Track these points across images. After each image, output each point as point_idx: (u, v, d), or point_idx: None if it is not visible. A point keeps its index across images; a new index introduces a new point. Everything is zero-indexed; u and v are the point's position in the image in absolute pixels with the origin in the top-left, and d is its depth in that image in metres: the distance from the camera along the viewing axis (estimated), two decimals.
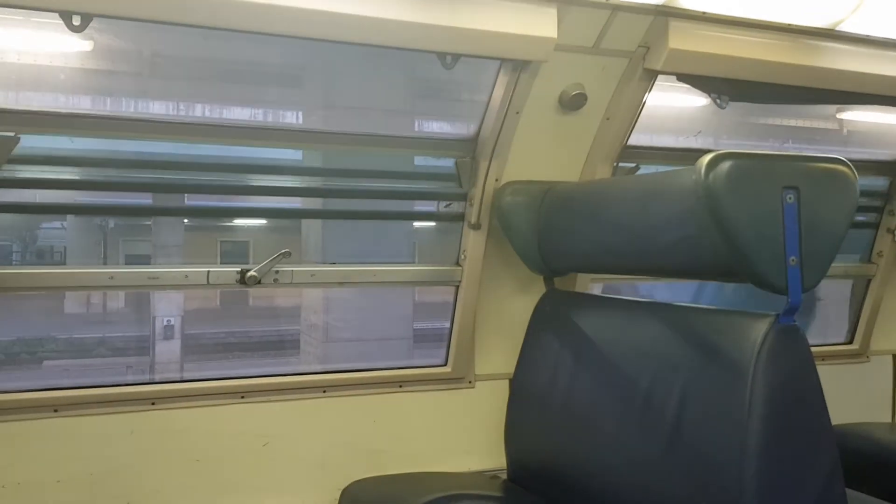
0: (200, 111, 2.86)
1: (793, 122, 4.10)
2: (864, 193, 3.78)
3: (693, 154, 2.06)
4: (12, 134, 2.39)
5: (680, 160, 3.20)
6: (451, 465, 2.99)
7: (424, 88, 3.25)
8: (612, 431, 2.42)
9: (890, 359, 4.05)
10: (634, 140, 3.08)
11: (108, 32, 2.48)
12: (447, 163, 2.97)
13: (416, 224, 3.42)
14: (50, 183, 2.57)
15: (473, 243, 2.94)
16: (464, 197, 2.96)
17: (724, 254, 2.01)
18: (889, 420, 3.98)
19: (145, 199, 2.77)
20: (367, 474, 2.84)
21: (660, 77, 2.89)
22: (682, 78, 2.92)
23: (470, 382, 3.08)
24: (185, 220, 3.79)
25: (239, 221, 3.90)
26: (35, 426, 2.50)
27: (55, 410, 2.52)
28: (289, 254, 2.74)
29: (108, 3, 2.16)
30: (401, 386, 2.97)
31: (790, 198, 1.96)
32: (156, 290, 2.68)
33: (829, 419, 2.05)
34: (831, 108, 3.86)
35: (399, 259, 3.29)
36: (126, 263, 2.74)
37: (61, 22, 2.19)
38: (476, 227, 2.92)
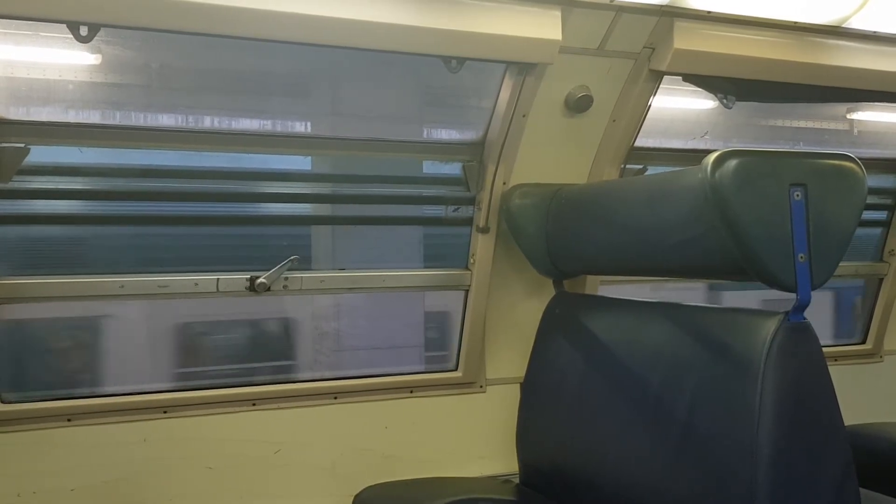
0: (209, 123, 2.87)
1: (802, 123, 4.08)
2: (874, 192, 3.76)
3: (700, 155, 2.06)
4: (22, 145, 2.41)
5: (687, 161, 3.19)
6: (463, 470, 2.98)
7: (430, 94, 3.25)
8: (623, 433, 2.41)
9: None
10: (641, 143, 3.08)
11: (115, 45, 2.50)
12: (455, 167, 2.98)
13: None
14: (60, 193, 2.59)
15: (482, 247, 2.94)
16: (472, 201, 2.97)
17: (732, 252, 2.01)
18: None
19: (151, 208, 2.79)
20: (380, 480, 2.84)
21: (666, 79, 2.89)
22: (688, 78, 2.92)
23: (481, 387, 3.07)
24: None
25: None
26: (49, 435, 2.51)
27: (68, 419, 2.53)
28: (298, 260, 2.75)
29: (115, 14, 2.17)
30: (412, 391, 2.97)
31: (798, 195, 1.95)
32: (165, 299, 2.68)
33: (840, 417, 2.04)
34: (841, 109, 3.84)
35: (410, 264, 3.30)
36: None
37: (69, 36, 2.22)
38: (484, 230, 2.93)
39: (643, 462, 2.31)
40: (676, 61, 2.77)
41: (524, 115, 2.78)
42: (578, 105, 2.83)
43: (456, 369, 3.06)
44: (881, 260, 3.89)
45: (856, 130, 4.04)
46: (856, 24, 2.87)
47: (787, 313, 2.00)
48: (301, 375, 3.25)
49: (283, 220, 3.08)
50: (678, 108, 3.30)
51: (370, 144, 2.88)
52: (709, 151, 2.02)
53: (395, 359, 3.70)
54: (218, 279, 2.68)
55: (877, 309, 3.92)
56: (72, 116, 2.56)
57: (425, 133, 3.32)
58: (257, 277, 2.70)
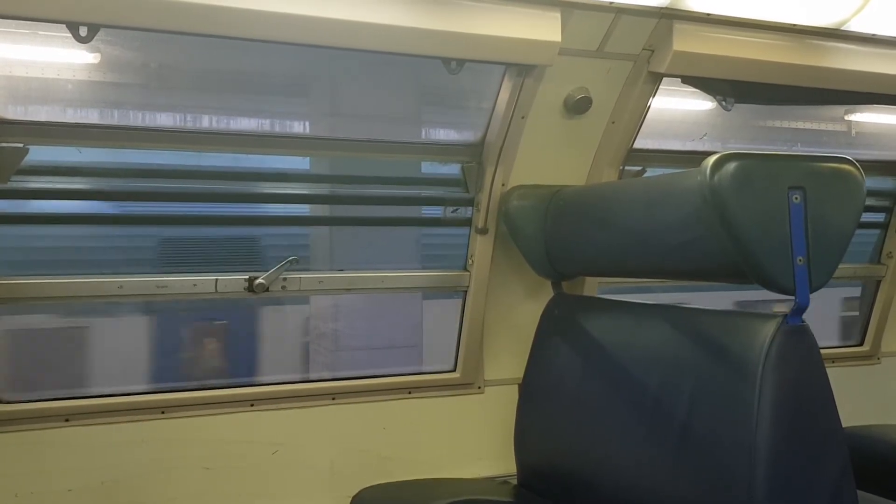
0: (207, 122, 2.87)
1: (800, 125, 4.09)
2: (872, 194, 3.76)
3: (699, 156, 2.07)
4: (21, 145, 2.41)
5: (686, 163, 3.20)
6: (461, 471, 2.98)
7: (430, 95, 3.26)
8: (621, 435, 2.41)
9: None
10: (640, 144, 3.08)
11: (114, 44, 2.50)
12: (454, 168, 2.98)
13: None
14: (58, 193, 2.58)
15: (481, 248, 2.94)
16: (470, 202, 2.97)
17: (731, 255, 2.01)
18: None
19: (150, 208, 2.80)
20: (377, 481, 2.84)
21: (665, 81, 2.88)
22: (687, 80, 2.92)
23: (479, 388, 3.07)
24: None
25: None
26: (46, 436, 2.51)
27: (66, 420, 2.53)
28: (296, 261, 2.74)
29: (115, 14, 2.17)
30: (410, 392, 2.97)
31: (796, 198, 1.95)
32: (163, 300, 2.68)
33: (839, 420, 2.04)
34: (839, 110, 3.85)
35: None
36: None
37: (68, 35, 2.21)
38: (483, 231, 2.93)
39: (642, 464, 2.31)
40: (675, 63, 2.77)
41: (523, 117, 2.78)
42: (577, 107, 2.82)
43: (454, 370, 3.05)
44: (879, 262, 3.90)
45: (853, 132, 4.05)
46: (855, 26, 2.87)
47: (785, 316, 2.00)
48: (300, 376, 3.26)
49: (282, 221, 3.08)
50: (677, 109, 3.30)
51: (369, 145, 2.88)
52: (707, 153, 2.02)
53: (393, 359, 3.71)
54: (216, 280, 2.68)
55: (874, 311, 3.92)
56: (70, 116, 2.56)
57: (424, 134, 3.32)
58: (256, 278, 2.70)
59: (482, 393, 3.07)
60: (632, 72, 2.84)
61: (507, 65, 2.69)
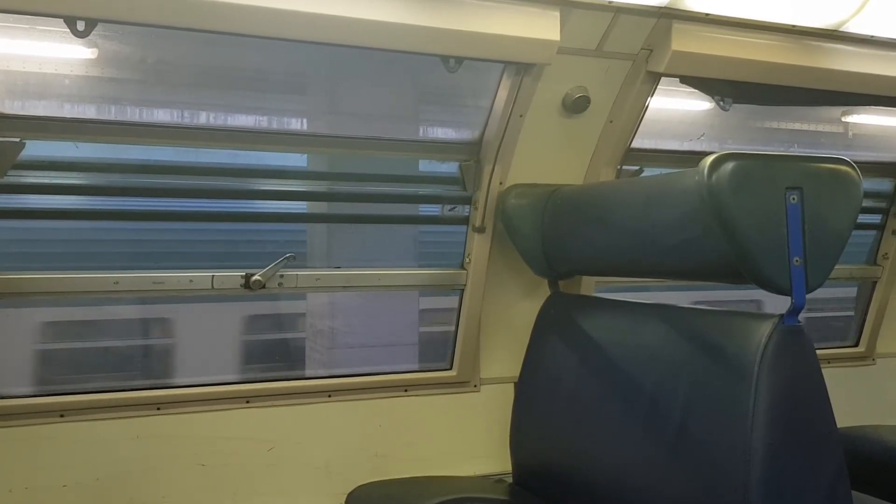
0: (205, 119, 2.87)
1: (797, 126, 4.09)
2: (868, 195, 3.76)
3: (697, 156, 2.07)
4: (18, 139, 2.41)
5: (683, 163, 3.20)
6: (456, 469, 2.99)
7: (428, 93, 3.25)
8: (617, 434, 2.41)
9: None
10: (638, 144, 3.08)
11: (112, 39, 2.50)
12: (452, 166, 2.98)
13: None
14: (55, 188, 2.58)
15: (478, 246, 2.94)
16: (468, 200, 2.97)
17: (728, 255, 2.01)
18: None
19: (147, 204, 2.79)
20: (373, 479, 2.84)
21: (663, 80, 2.89)
22: (686, 80, 2.92)
23: (475, 386, 3.07)
24: None
25: None
26: (42, 431, 2.51)
27: (61, 415, 2.53)
28: (293, 257, 2.74)
29: (113, 9, 2.17)
30: (406, 390, 2.97)
31: (794, 198, 1.95)
32: (159, 296, 2.67)
33: (834, 421, 2.04)
34: (836, 111, 3.85)
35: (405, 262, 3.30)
36: None
37: (66, 30, 2.21)
38: (480, 230, 2.93)
39: (637, 463, 2.31)
40: (674, 63, 2.77)
41: (521, 116, 2.78)
42: (576, 106, 2.83)
43: (450, 368, 3.06)
44: (875, 263, 3.90)
45: (850, 133, 4.05)
46: (853, 28, 2.88)
47: (782, 316, 2.01)
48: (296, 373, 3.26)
49: (279, 218, 3.08)
50: (675, 109, 3.31)
51: (367, 143, 2.88)
52: (705, 153, 2.02)
53: (390, 357, 3.70)
54: (213, 276, 2.68)
55: (870, 312, 3.93)
56: (67, 111, 2.56)
57: (422, 132, 3.32)
58: (252, 275, 2.70)
59: (478, 391, 3.08)
60: (630, 71, 2.84)
61: (506, 63, 2.69)
